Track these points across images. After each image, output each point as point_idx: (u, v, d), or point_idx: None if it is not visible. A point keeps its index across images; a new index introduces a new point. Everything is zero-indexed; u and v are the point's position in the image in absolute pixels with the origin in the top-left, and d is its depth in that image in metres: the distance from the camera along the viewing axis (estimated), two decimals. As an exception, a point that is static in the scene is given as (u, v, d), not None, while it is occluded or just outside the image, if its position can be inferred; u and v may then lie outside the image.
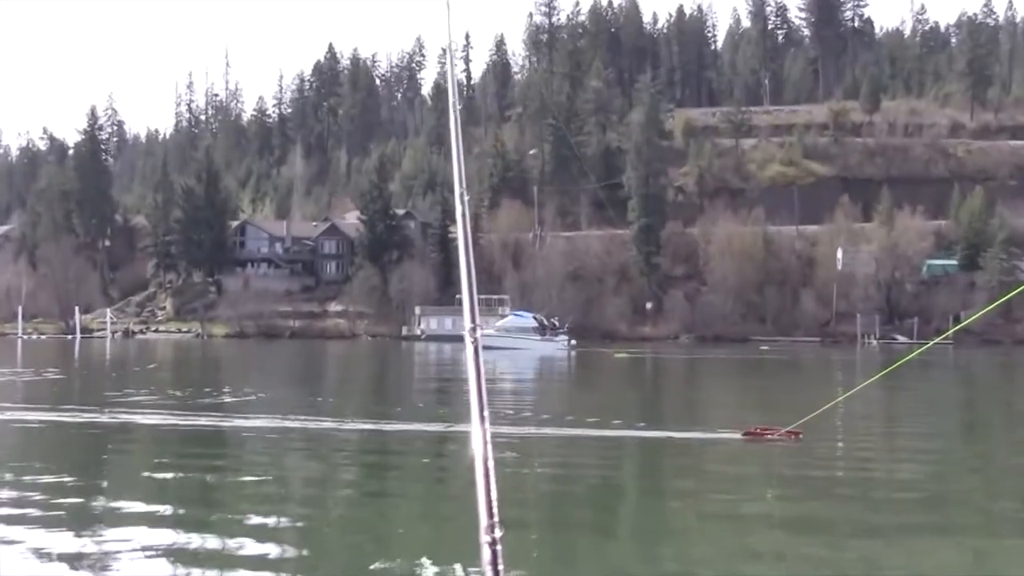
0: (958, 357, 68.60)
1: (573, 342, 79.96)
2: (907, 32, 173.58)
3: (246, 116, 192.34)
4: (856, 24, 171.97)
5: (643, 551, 10.67)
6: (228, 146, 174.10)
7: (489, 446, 3.03)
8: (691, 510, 12.69)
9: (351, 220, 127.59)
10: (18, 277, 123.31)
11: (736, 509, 12.63)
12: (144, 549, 9.90)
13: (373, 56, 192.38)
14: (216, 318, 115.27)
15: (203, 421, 21.56)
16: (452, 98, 3.19)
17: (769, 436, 18.24)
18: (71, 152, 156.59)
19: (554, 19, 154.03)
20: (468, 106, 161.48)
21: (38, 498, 12.54)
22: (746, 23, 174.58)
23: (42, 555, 9.58)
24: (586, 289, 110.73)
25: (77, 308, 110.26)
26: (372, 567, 9.42)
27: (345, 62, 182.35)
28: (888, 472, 16.24)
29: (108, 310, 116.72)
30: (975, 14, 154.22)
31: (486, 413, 3.07)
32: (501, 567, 2.78)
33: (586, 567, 9.81)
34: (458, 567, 8.89)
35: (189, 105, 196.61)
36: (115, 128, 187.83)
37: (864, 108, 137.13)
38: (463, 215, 3.62)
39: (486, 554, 2.89)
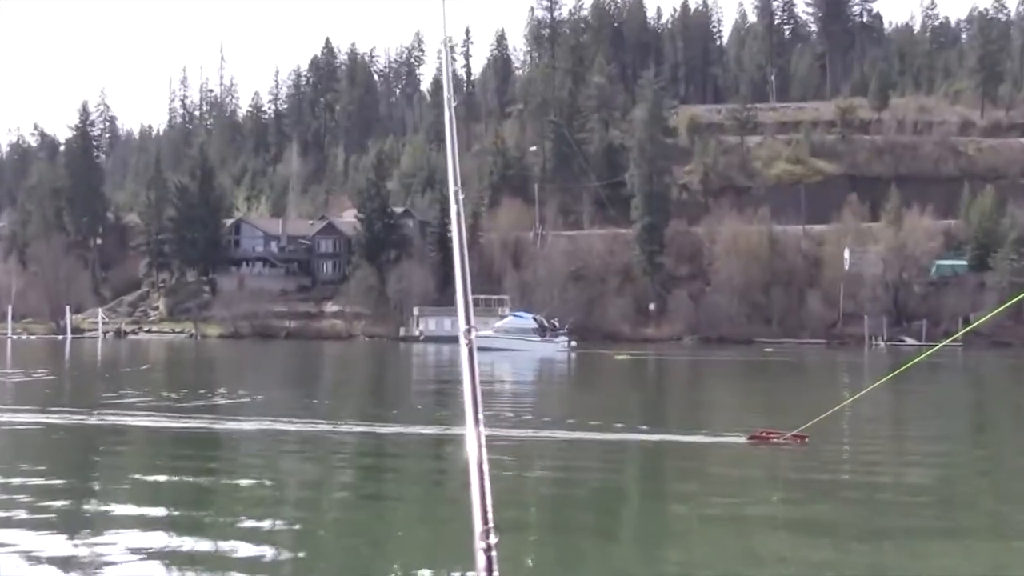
0: (967, 359, 68.61)
1: (573, 343, 80.00)
2: (917, 27, 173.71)
3: (241, 112, 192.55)
4: (864, 19, 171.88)
5: (645, 554, 10.72)
6: (223, 143, 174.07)
7: (484, 450, 3.04)
8: (694, 513, 12.71)
9: (348, 218, 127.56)
10: (7, 276, 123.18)
11: (740, 513, 12.66)
12: (137, 552, 9.93)
13: (371, 51, 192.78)
14: (210, 318, 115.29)
15: (196, 424, 21.56)
16: (447, 95, 3.19)
17: (774, 440, 18.25)
18: (62, 149, 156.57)
19: (556, 13, 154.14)
20: (468, 102, 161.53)
21: (27, 501, 12.56)
22: (752, 18, 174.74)
23: (32, 558, 9.60)
24: (588, 289, 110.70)
25: (68, 308, 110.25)
26: (369, 570, 9.44)
27: (343, 57, 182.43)
28: (896, 476, 16.27)
29: (100, 310, 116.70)
30: (986, 9, 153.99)
31: (481, 416, 3.08)
32: (496, 574, 2.78)
33: (587, 570, 9.83)
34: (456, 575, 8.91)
35: (183, 101, 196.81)
36: (107, 124, 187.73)
37: (872, 105, 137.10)
38: (458, 214, 3.61)
39: (481, 561, 2.90)
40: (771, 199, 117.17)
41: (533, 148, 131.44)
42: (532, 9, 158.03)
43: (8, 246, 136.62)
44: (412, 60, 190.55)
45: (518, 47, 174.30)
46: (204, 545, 10.31)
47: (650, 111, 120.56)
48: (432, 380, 43.19)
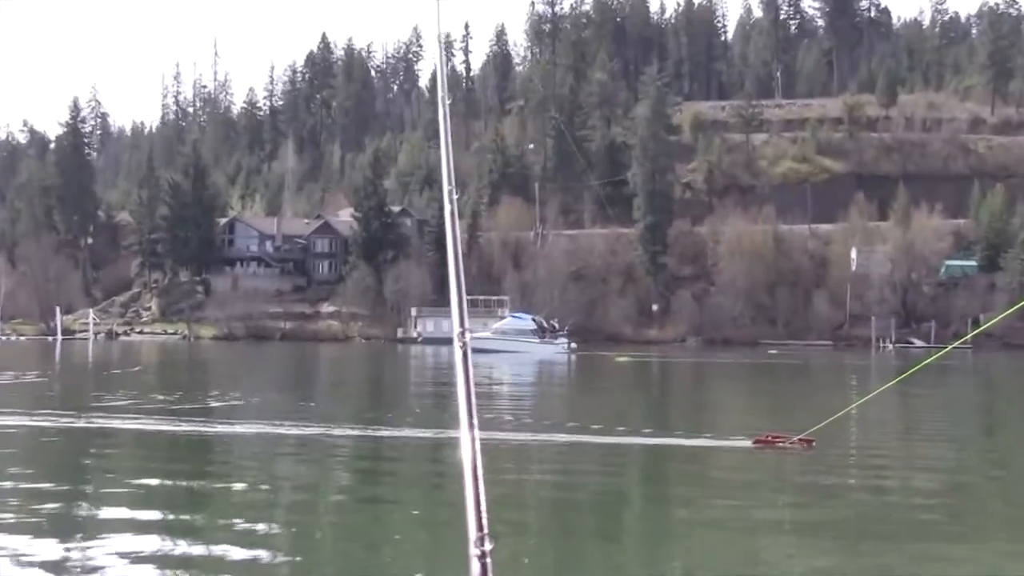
0: (977, 362, 68.59)
1: (573, 345, 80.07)
2: (926, 22, 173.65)
3: (235, 109, 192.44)
4: (872, 14, 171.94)
5: (647, 557, 10.78)
6: (216, 140, 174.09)
7: (479, 454, 3.04)
8: (697, 517, 12.74)
9: (344, 217, 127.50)
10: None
11: (746, 516, 12.67)
12: (130, 555, 9.96)
13: (368, 46, 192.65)
14: (203, 319, 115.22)
15: (189, 427, 21.57)
16: (441, 92, 3.19)
17: (781, 444, 18.25)
18: (52, 146, 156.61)
19: (557, 8, 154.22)
20: (467, 99, 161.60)
21: (17, 504, 12.59)
22: (757, 13, 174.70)
23: (23, 562, 9.62)
24: (589, 290, 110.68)
25: (58, 308, 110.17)
26: (365, 573, 9.45)
27: (339, 52, 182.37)
28: (904, 480, 16.28)
29: (91, 311, 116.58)
30: (997, 4, 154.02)
31: (475, 420, 3.07)
32: (492, 581, 2.79)
33: (588, 573, 9.84)
34: None
35: (176, 97, 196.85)
36: (98, 121, 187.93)
37: (880, 102, 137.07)
38: (452, 214, 3.61)
39: (475, 568, 2.89)
40: (776, 198, 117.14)
41: (531, 145, 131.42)
42: (533, 4, 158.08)
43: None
44: (410, 56, 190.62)
45: (518, 42, 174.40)
46: (198, 549, 10.35)
47: (653, 108, 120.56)
48: (430, 382, 43.19)
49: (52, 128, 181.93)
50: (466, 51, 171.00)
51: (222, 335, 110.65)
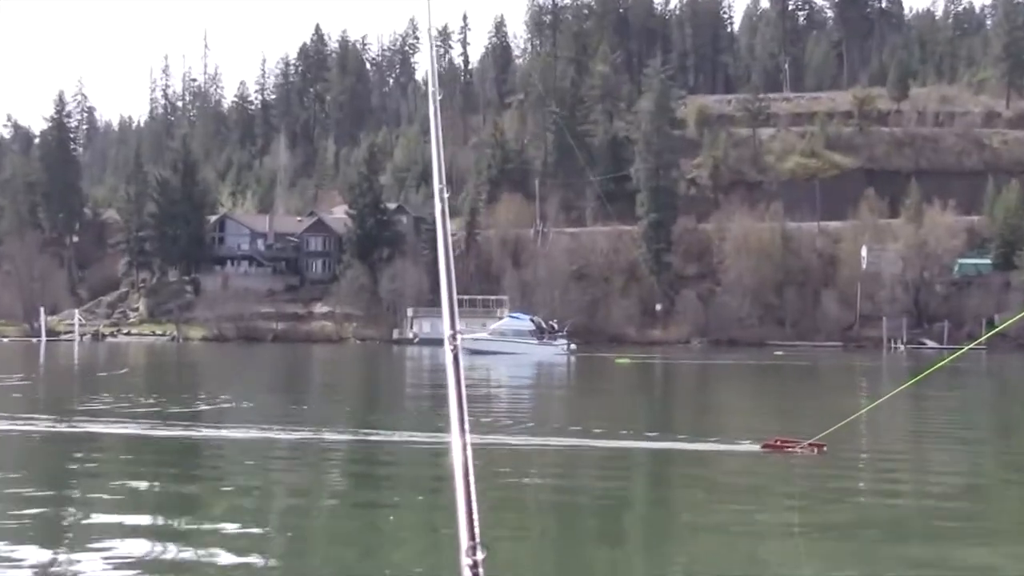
0: (991, 363, 68.58)
1: (573, 346, 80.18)
2: (939, 13, 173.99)
3: (226, 103, 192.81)
4: (883, 4, 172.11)
5: (650, 560, 10.83)
6: (207, 135, 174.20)
7: (470, 461, 3.03)
8: (703, 521, 12.78)
9: (339, 215, 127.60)
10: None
11: (752, 521, 12.69)
12: (118, 560, 10.00)
13: (363, 38, 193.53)
14: (193, 320, 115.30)
15: (177, 432, 21.59)
16: (432, 88, 3.19)
17: (790, 449, 18.24)
18: (37, 141, 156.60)
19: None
20: (466, 92, 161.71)
21: (0, 509, 12.59)
22: (765, 4, 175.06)
23: (8, 568, 9.69)
24: (591, 289, 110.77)
25: (43, 309, 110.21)
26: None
27: (333, 45, 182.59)
28: (918, 485, 16.30)
29: (76, 311, 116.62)
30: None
31: (467, 425, 3.07)
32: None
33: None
34: None
35: (165, 91, 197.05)
36: (84, 115, 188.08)
37: (892, 95, 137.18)
38: (442, 212, 3.61)
39: (467, 578, 2.89)
40: (784, 194, 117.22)
41: (527, 141, 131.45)
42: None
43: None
44: (406, 48, 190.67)
45: (518, 34, 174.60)
46: (188, 553, 10.39)
47: (657, 102, 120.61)
48: (426, 385, 43.20)
49: (37, 123, 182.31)
50: (464, 43, 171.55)
51: (212, 336, 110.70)
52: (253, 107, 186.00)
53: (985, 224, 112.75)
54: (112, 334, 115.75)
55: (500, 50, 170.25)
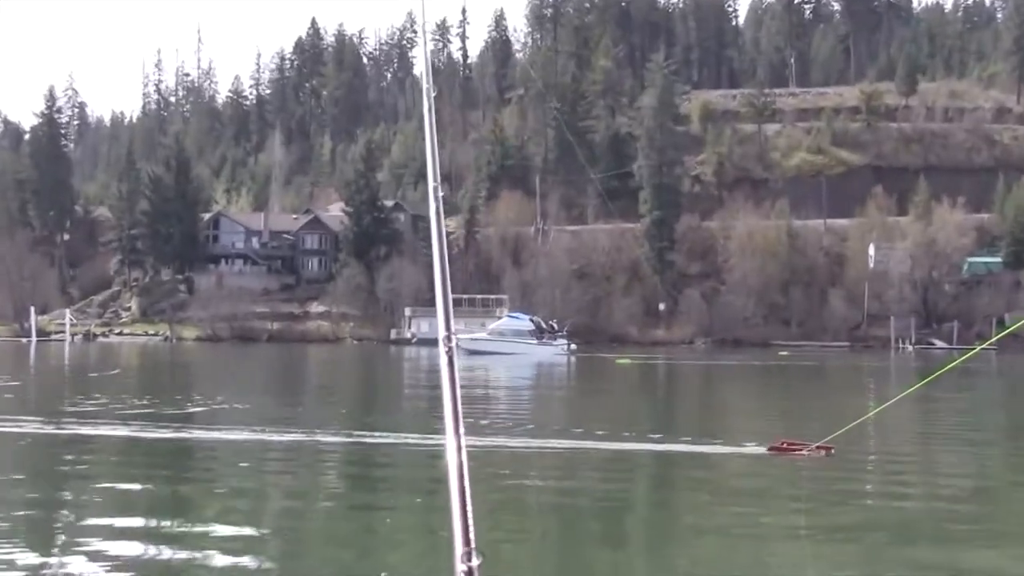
0: (1002, 364, 68.57)
1: (573, 346, 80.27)
2: (948, 6, 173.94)
3: (220, 98, 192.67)
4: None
5: (654, 563, 10.91)
6: (200, 131, 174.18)
7: (465, 465, 3.03)
8: (705, 523, 12.80)
9: (335, 212, 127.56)
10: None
11: (757, 523, 12.73)
12: (111, 562, 10.05)
13: (360, 32, 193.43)
14: (186, 320, 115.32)
15: (169, 433, 21.62)
16: (426, 85, 3.18)
17: (797, 451, 18.24)
18: (27, 137, 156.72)
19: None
20: (465, 87, 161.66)
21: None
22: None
23: (0, 570, 9.67)
24: (593, 289, 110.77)
25: (33, 308, 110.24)
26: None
27: (329, 39, 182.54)
28: (924, 486, 16.34)
29: (67, 311, 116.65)
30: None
31: (461, 429, 3.07)
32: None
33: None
34: None
35: (157, 86, 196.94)
36: (75, 111, 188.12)
37: (900, 90, 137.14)
38: (437, 211, 3.61)
39: (461, 585, 2.88)
40: (790, 192, 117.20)
41: (527, 137, 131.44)
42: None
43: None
44: (404, 42, 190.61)
45: (518, 28, 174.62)
46: (181, 555, 10.46)
47: (660, 97, 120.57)
48: (424, 385, 43.19)
49: (27, 118, 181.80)
50: (463, 37, 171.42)
51: (206, 336, 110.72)
52: (248, 103, 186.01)
53: (995, 222, 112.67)
54: (104, 334, 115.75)
55: (500, 44, 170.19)
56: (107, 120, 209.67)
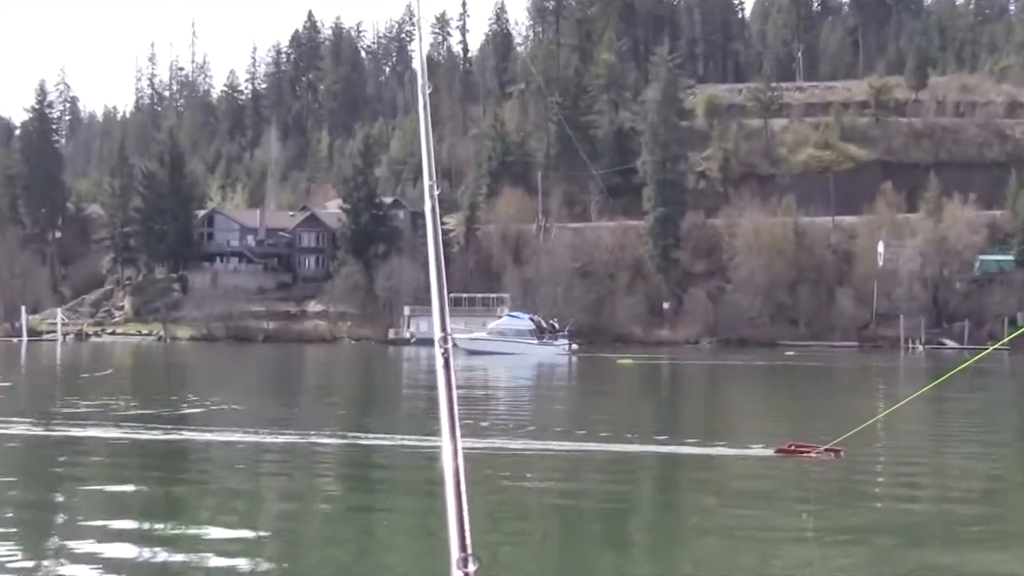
0: (1014, 364, 68.56)
1: (574, 346, 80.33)
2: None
3: (215, 93, 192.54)
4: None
5: (655, 565, 10.98)
6: (195, 126, 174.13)
7: (462, 469, 3.02)
8: (710, 525, 12.83)
9: (332, 209, 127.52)
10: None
11: (764, 525, 12.76)
12: (104, 564, 10.10)
13: (358, 25, 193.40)
14: (180, 319, 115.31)
15: (163, 434, 21.66)
16: (421, 80, 3.17)
17: (805, 453, 18.24)
18: (17, 132, 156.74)
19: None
20: (465, 82, 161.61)
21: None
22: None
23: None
24: (596, 287, 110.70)
25: (24, 308, 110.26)
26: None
27: (326, 32, 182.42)
28: (935, 488, 16.37)
29: (59, 310, 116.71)
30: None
31: (458, 433, 3.06)
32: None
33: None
34: None
35: (151, 80, 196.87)
36: (67, 105, 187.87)
37: (910, 84, 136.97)
38: (432, 210, 3.60)
39: (457, 592, 2.87)
40: (797, 188, 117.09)
41: (528, 132, 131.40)
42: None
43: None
44: (403, 35, 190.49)
45: (520, 21, 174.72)
46: (177, 557, 10.53)
47: (664, 91, 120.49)
48: (424, 386, 43.19)
49: (17, 113, 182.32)
50: (463, 30, 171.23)
51: (200, 336, 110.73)
52: (243, 97, 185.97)
53: (1007, 219, 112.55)
54: (96, 334, 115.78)
55: (501, 38, 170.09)
56: (99, 115, 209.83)
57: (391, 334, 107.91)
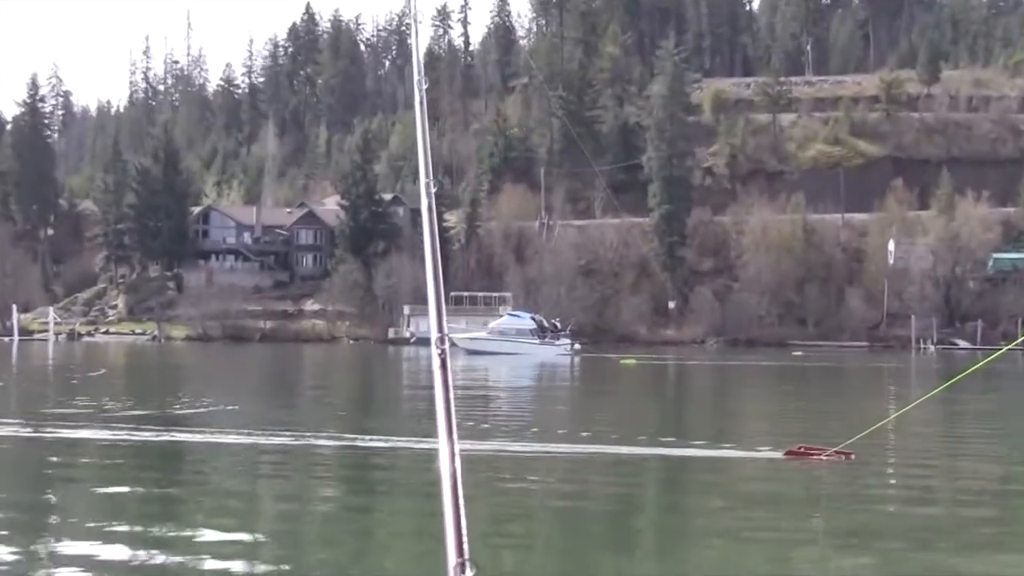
0: (1028, 365, 68.48)
1: (577, 346, 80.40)
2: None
3: (211, 87, 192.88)
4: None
5: (659, 567, 11.01)
6: (190, 121, 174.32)
7: (459, 472, 2.99)
8: (716, 527, 12.87)
9: (331, 206, 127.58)
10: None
11: (772, 527, 12.79)
12: (98, 566, 10.11)
13: (357, 18, 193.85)
14: (175, 318, 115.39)
15: (157, 436, 21.68)
16: (418, 76, 3.16)
17: (815, 456, 18.23)
18: (9, 127, 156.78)
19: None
20: (466, 75, 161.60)
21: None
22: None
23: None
24: (600, 286, 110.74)
25: (15, 306, 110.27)
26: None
27: (325, 25, 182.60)
28: (947, 491, 16.39)
29: (51, 309, 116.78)
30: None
31: (455, 435, 3.03)
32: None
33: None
34: None
35: (145, 74, 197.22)
36: (60, 100, 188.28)
37: (921, 78, 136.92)
38: (429, 208, 3.58)
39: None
40: (806, 185, 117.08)
41: (531, 127, 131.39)
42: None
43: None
44: (403, 28, 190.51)
45: (522, 14, 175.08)
46: (174, 559, 10.54)
47: (670, 86, 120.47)
48: (424, 387, 43.19)
49: (8, 108, 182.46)
50: (464, 23, 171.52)
51: (196, 336, 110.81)
52: (240, 91, 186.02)
53: (1021, 216, 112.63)
54: (89, 333, 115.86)
55: (503, 31, 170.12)
56: (93, 110, 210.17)
57: (391, 334, 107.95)
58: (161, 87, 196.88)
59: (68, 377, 47.18)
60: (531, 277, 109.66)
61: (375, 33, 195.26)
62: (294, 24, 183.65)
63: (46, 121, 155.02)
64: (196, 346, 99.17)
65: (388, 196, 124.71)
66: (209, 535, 11.78)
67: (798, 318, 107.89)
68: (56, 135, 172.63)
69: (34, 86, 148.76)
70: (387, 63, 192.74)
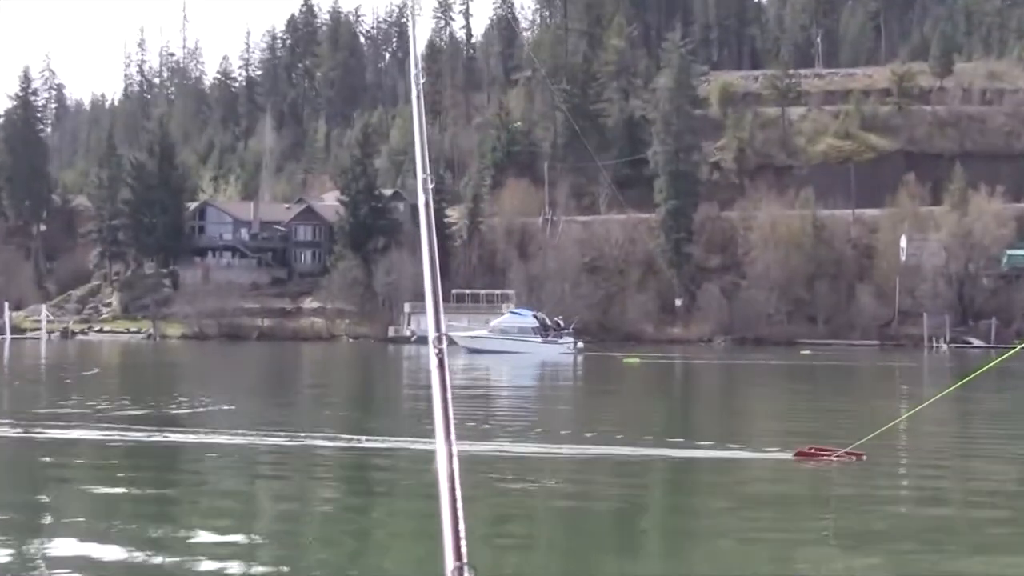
0: (1043, 364, 68.45)
1: (580, 344, 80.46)
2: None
3: (207, 80, 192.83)
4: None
5: (663, 568, 11.05)
6: (186, 115, 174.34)
7: (456, 474, 2.98)
8: (722, 528, 12.89)
9: (330, 202, 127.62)
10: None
11: (780, 528, 12.82)
12: (94, 567, 10.17)
13: (356, 10, 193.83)
14: (171, 316, 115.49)
15: (152, 436, 21.71)
16: (415, 70, 3.15)
17: (826, 458, 18.23)
18: (1, 121, 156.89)
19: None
20: (468, 68, 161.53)
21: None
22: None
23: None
24: (605, 283, 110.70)
25: (7, 304, 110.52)
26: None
27: (324, 17, 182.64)
28: (959, 492, 16.42)
29: (44, 306, 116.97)
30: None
31: (453, 434, 3.02)
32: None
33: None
34: None
35: (140, 67, 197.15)
36: (53, 93, 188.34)
37: (934, 71, 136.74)
38: (427, 204, 3.58)
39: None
40: (816, 179, 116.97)
41: (535, 121, 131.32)
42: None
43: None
44: (403, 20, 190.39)
45: (526, 5, 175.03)
46: (171, 560, 10.59)
47: (676, 79, 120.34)
48: (424, 386, 43.25)
49: (0, 101, 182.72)
50: (467, 15, 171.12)
51: (192, 334, 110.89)
52: (237, 84, 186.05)
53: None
54: (83, 331, 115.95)
55: (506, 22, 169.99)
56: (87, 103, 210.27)
57: (391, 332, 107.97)
58: (156, 80, 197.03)
59: (61, 376, 47.28)
60: (534, 274, 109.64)
61: (375, 25, 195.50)
62: (292, 16, 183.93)
63: (39, 115, 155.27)
64: (192, 345, 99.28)
65: (388, 191, 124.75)
66: (205, 536, 11.82)
67: (808, 316, 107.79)
68: (49, 129, 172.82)
69: (26, 79, 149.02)
70: (387, 55, 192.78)
